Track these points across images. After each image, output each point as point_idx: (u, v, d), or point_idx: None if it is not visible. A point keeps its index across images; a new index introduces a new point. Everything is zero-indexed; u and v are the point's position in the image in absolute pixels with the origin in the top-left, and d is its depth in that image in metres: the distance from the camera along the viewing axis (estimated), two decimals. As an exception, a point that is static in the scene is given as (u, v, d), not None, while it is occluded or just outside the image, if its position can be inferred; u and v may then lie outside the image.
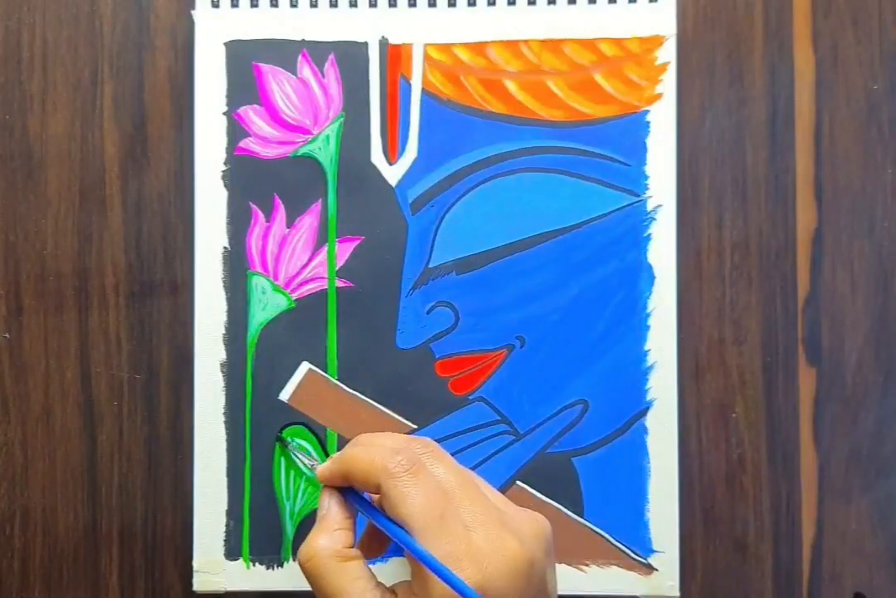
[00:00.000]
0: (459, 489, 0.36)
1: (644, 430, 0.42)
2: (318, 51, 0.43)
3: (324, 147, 0.43)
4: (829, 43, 0.43)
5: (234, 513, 0.42)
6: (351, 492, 0.38)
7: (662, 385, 0.42)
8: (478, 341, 0.43)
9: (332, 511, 0.37)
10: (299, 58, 0.43)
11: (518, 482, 0.42)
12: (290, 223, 0.43)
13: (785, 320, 0.43)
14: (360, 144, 0.43)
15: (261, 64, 0.43)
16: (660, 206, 0.42)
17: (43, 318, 0.43)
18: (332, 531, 0.36)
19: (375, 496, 0.36)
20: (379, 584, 0.35)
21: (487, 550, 0.34)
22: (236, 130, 0.43)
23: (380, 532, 0.37)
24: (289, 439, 0.42)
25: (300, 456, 0.42)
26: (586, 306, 0.42)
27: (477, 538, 0.34)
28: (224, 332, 0.43)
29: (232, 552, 0.42)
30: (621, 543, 0.42)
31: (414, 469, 0.35)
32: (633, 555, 0.42)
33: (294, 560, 0.42)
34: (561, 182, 0.43)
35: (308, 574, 0.36)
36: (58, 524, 0.43)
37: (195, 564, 0.42)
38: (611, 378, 0.42)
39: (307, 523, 0.42)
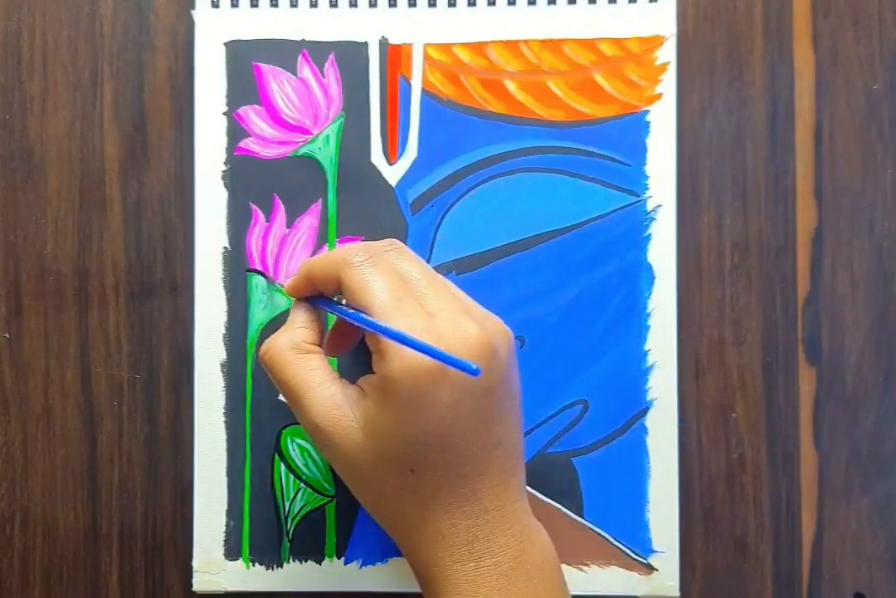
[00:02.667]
0: (423, 280, 0.35)
1: (644, 430, 0.42)
2: (318, 51, 0.43)
3: (324, 147, 0.43)
4: (829, 43, 0.43)
5: (234, 513, 0.42)
6: (318, 299, 0.38)
7: (662, 385, 0.42)
8: (478, 341, 0.42)
9: (296, 314, 0.37)
10: (299, 58, 0.43)
11: (518, 482, 0.42)
12: (290, 223, 0.43)
13: (785, 320, 0.43)
14: (360, 144, 0.43)
15: (261, 64, 0.43)
16: (660, 206, 0.42)
17: (43, 318, 0.43)
18: (294, 329, 0.36)
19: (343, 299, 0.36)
20: (340, 378, 0.35)
21: (447, 332, 0.33)
22: (236, 130, 0.43)
23: (344, 330, 0.38)
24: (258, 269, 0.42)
25: (267, 280, 0.42)
26: (586, 305, 0.42)
27: (438, 322, 0.33)
28: (224, 332, 0.43)
29: (232, 553, 0.42)
30: (621, 543, 0.42)
31: (372, 260, 0.35)
32: (633, 555, 0.42)
33: (293, 560, 0.42)
34: (561, 182, 0.43)
35: (267, 368, 0.36)
36: (58, 524, 0.43)
37: (195, 564, 0.42)
38: (611, 378, 0.42)
39: (306, 523, 0.42)
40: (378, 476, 0.34)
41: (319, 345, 0.37)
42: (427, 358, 0.32)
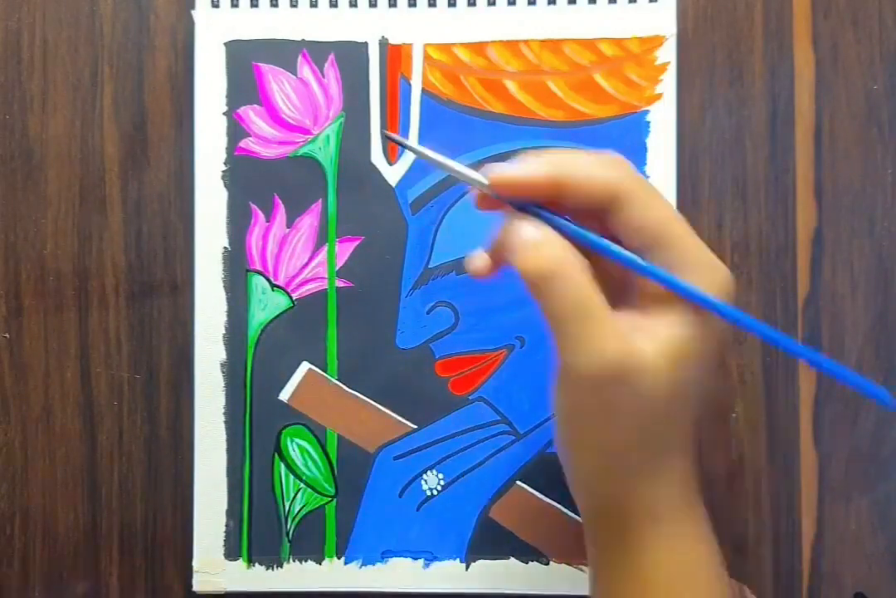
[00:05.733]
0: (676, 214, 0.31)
1: (644, 430, 0.42)
2: (318, 51, 0.43)
3: (324, 147, 0.43)
4: (829, 43, 0.43)
5: (234, 513, 0.42)
6: (542, 208, 0.30)
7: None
8: (478, 341, 0.43)
9: (541, 227, 0.30)
10: (299, 58, 0.43)
11: (518, 482, 0.42)
12: (290, 223, 0.43)
13: (785, 320, 0.43)
14: (360, 144, 0.43)
15: (261, 64, 0.43)
16: (660, 206, 0.42)
17: (43, 318, 0.43)
18: (562, 241, 0.30)
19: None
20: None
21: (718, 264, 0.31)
22: (236, 130, 0.43)
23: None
24: (397, 136, 0.37)
25: (449, 163, 0.33)
26: (586, 305, 0.42)
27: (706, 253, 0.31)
28: (224, 332, 0.43)
29: (232, 553, 0.42)
30: (621, 543, 0.42)
31: (645, 181, 0.31)
32: (633, 555, 0.42)
33: (293, 560, 0.42)
34: (561, 182, 0.43)
35: (552, 288, 0.30)
36: (58, 524, 0.43)
37: (195, 564, 0.42)
38: (611, 378, 0.42)
39: (306, 523, 0.42)
40: (667, 423, 0.31)
41: None
42: (729, 279, 0.30)
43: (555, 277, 0.29)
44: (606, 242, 0.31)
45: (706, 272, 0.31)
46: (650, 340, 0.30)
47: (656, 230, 0.31)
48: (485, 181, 0.31)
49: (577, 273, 0.29)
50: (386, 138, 0.41)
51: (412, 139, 0.43)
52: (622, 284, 0.32)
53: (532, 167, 0.30)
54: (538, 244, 0.30)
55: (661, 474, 0.32)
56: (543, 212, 0.31)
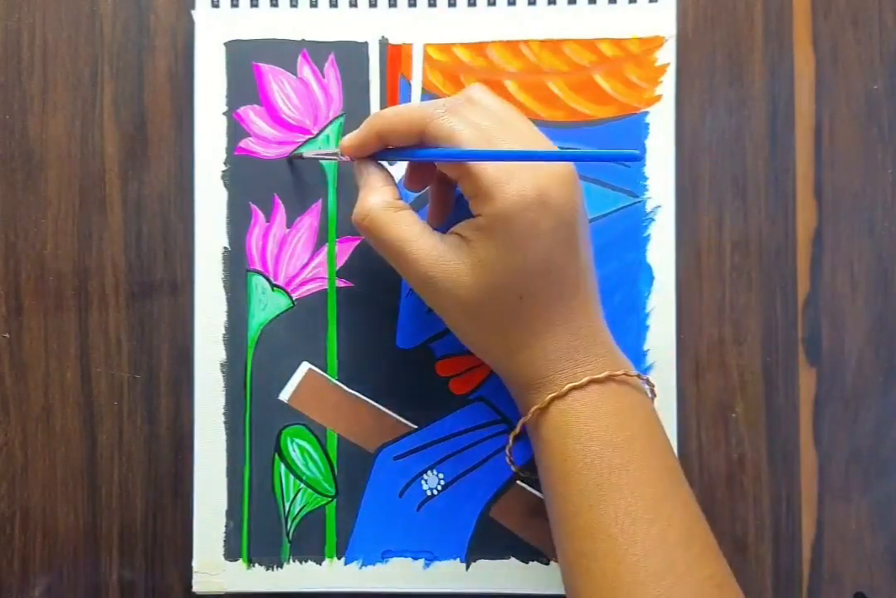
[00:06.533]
0: (507, 119, 0.37)
1: (644, 430, 0.42)
2: (318, 51, 0.43)
3: (324, 147, 0.43)
4: (829, 43, 0.43)
5: (233, 514, 0.42)
6: (391, 151, 0.39)
7: (662, 385, 0.42)
8: (478, 341, 0.42)
9: (371, 174, 0.38)
10: (299, 58, 0.43)
11: (518, 482, 0.42)
12: (290, 223, 0.43)
13: (785, 320, 0.43)
14: (360, 144, 0.43)
15: (261, 64, 0.43)
16: (659, 206, 0.42)
17: (43, 318, 0.43)
18: (380, 188, 0.38)
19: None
20: (433, 230, 0.38)
21: (540, 166, 0.36)
22: (236, 130, 0.43)
23: (418, 176, 0.40)
24: (302, 152, 0.42)
25: (319, 154, 0.42)
26: (586, 306, 0.42)
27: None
28: (224, 332, 0.43)
29: (231, 553, 0.42)
30: (621, 543, 0.42)
31: (454, 109, 0.36)
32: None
33: (293, 561, 0.42)
34: (561, 182, 0.43)
35: (367, 230, 0.37)
36: (58, 524, 0.43)
37: (195, 564, 0.42)
38: (611, 378, 0.42)
39: (306, 523, 0.42)
40: (487, 311, 0.37)
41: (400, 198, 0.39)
42: (529, 190, 0.35)
43: (370, 221, 0.37)
44: (438, 152, 0.37)
45: (504, 178, 0.35)
46: (465, 251, 0.36)
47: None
48: (340, 153, 0.39)
49: (384, 216, 0.37)
50: (291, 161, 0.43)
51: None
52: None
53: (354, 134, 0.38)
54: (361, 192, 0.38)
55: (533, 355, 0.37)
56: (388, 153, 0.39)
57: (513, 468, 0.41)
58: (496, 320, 0.37)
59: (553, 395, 0.36)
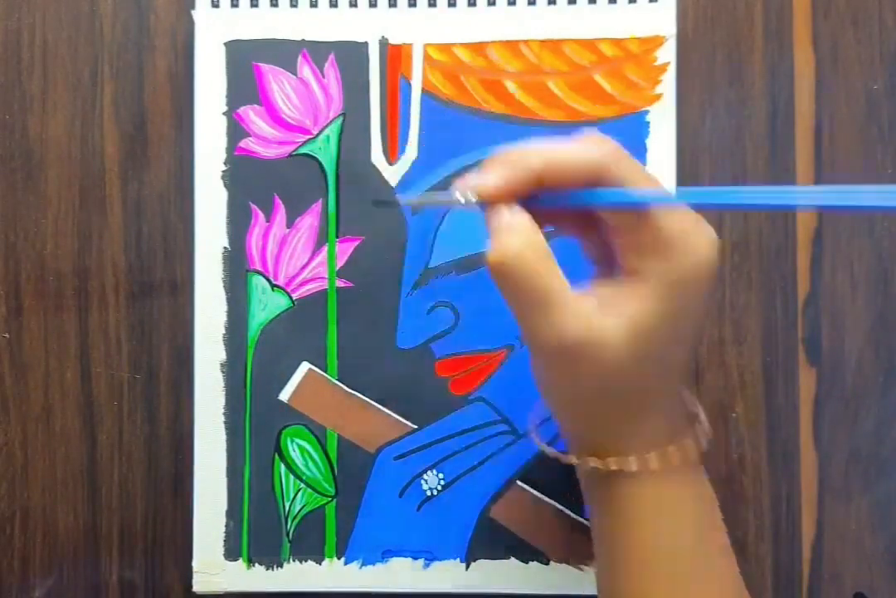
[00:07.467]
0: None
1: (644, 430, 0.42)
2: (318, 51, 0.43)
3: (324, 147, 0.43)
4: (829, 43, 0.43)
5: (233, 513, 0.42)
6: (553, 196, 0.32)
7: (662, 385, 0.42)
8: (478, 341, 0.43)
9: (515, 213, 0.32)
10: (299, 58, 0.43)
11: (518, 482, 0.42)
12: (290, 223, 0.43)
13: (785, 320, 0.43)
14: (360, 144, 0.43)
15: (261, 64, 0.43)
16: (660, 206, 0.42)
17: (43, 318, 0.43)
18: (525, 231, 0.31)
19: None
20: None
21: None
22: (236, 130, 0.43)
23: (545, 220, 0.33)
24: (397, 197, 0.39)
25: (430, 200, 0.37)
26: (586, 306, 0.42)
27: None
28: (224, 332, 0.43)
29: (231, 553, 0.42)
30: (621, 543, 0.42)
31: (626, 154, 0.32)
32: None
33: (293, 560, 0.42)
34: (561, 182, 0.42)
35: (505, 276, 0.31)
36: (58, 524, 0.43)
37: (195, 564, 0.42)
38: (611, 378, 0.42)
39: (306, 523, 0.42)
40: (625, 388, 0.32)
41: None
42: (714, 249, 0.31)
43: (512, 267, 0.31)
44: (596, 189, 0.32)
45: (693, 230, 0.32)
46: (616, 314, 0.31)
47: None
48: (473, 200, 0.32)
49: (532, 262, 0.31)
50: (378, 206, 0.42)
51: (412, 139, 0.43)
52: (609, 259, 0.34)
53: (495, 175, 0.32)
54: (500, 234, 0.32)
55: (631, 430, 0.34)
56: (547, 200, 0.33)
57: (541, 446, 0.38)
58: (628, 396, 0.33)
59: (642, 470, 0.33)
